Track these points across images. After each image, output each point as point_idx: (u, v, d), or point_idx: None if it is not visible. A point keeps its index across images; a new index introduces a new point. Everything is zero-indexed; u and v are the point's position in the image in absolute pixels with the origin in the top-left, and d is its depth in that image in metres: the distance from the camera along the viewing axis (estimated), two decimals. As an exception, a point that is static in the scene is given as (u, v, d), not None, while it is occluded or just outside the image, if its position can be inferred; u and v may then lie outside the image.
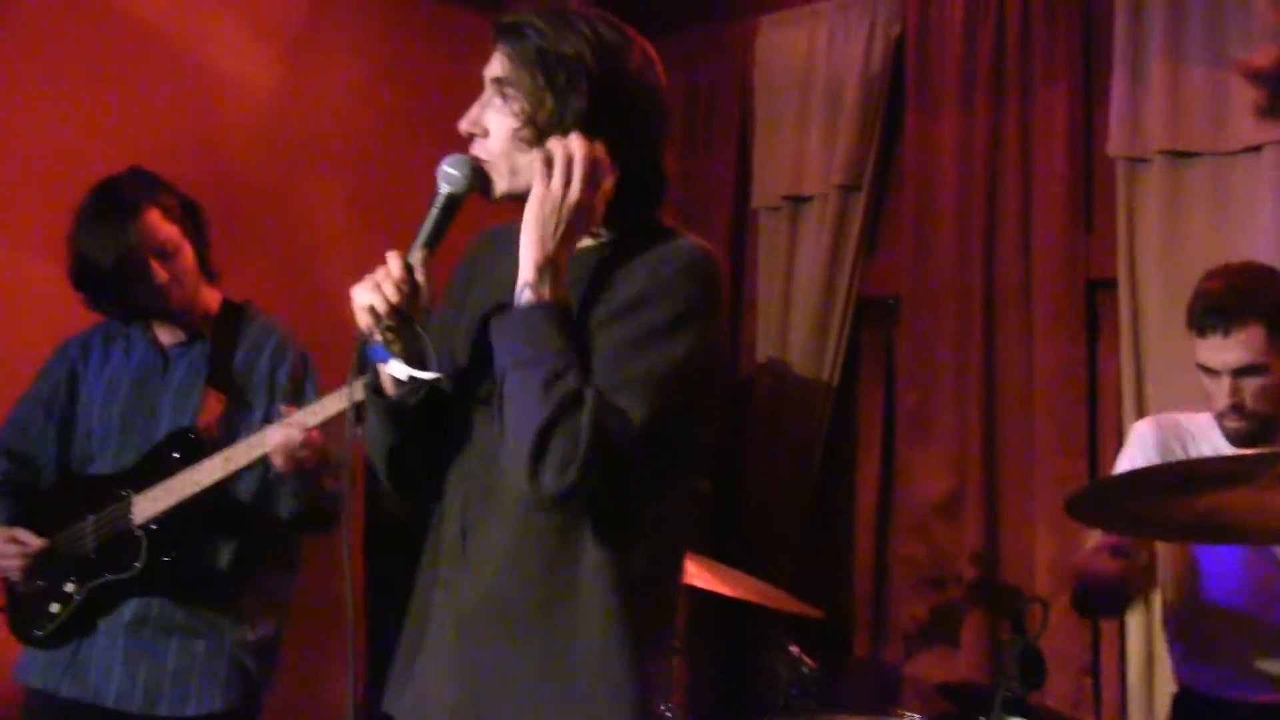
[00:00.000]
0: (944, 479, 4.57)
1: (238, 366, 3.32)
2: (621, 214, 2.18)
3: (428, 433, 2.21)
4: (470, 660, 2.13)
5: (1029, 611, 3.04)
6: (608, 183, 2.11)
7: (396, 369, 2.11)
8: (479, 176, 2.15)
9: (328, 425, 3.05)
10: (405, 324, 2.10)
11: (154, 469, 3.17)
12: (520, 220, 2.13)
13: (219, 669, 3.22)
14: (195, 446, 3.17)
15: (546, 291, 2.06)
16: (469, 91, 2.28)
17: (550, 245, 2.08)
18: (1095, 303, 4.40)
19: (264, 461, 3.09)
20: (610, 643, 2.06)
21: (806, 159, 4.91)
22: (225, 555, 3.24)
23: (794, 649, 3.77)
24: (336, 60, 4.82)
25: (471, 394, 2.19)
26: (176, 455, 3.16)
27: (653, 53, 2.27)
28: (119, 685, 3.16)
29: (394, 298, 2.08)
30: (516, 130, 2.14)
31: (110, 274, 3.18)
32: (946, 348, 4.59)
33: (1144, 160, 4.21)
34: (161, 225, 3.22)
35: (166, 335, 3.36)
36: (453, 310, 2.34)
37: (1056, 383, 4.34)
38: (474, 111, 2.18)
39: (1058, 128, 4.39)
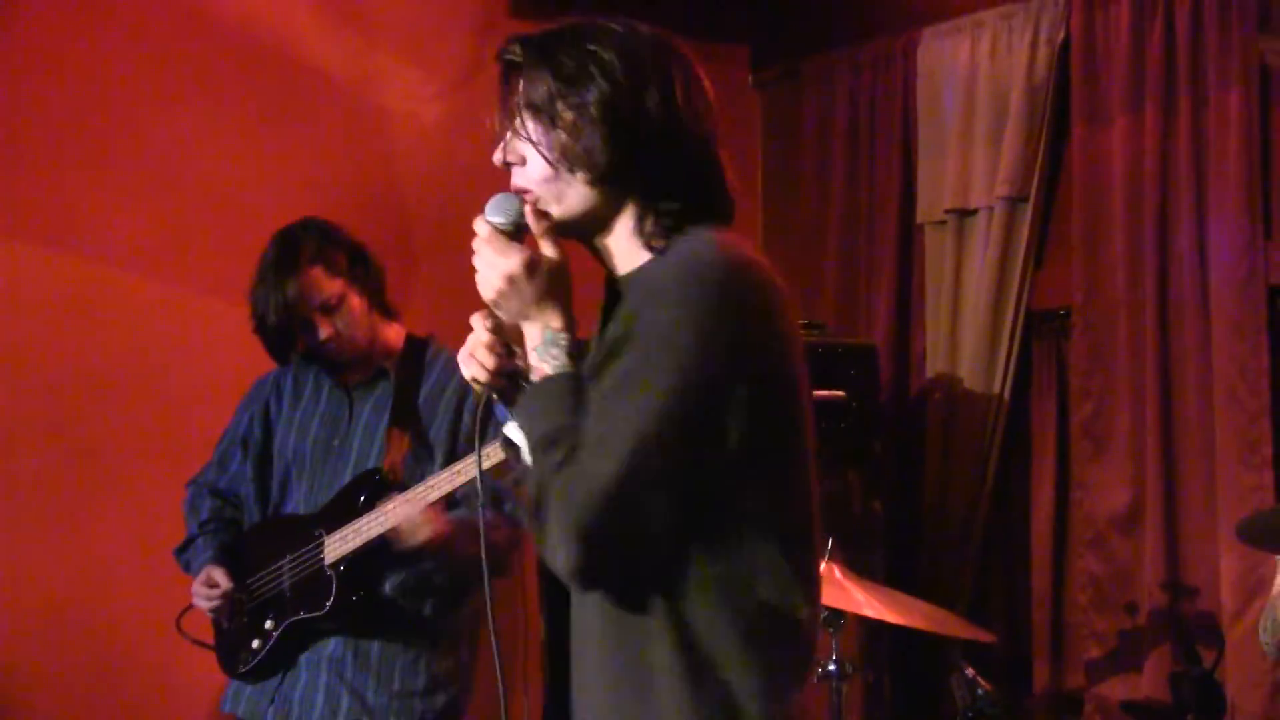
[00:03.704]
0: (1122, 492, 4.48)
1: (422, 403, 3.39)
2: (666, 229, 1.97)
3: None
4: None
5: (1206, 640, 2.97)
6: (544, 224, 1.97)
7: (512, 430, 2.00)
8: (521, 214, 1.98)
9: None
10: (516, 382, 1.99)
11: (343, 510, 3.27)
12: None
13: (414, 704, 3.31)
14: (381, 488, 3.25)
15: (547, 365, 1.93)
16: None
17: (530, 316, 1.96)
18: (1277, 310, 4.27)
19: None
20: None
21: (971, 171, 4.86)
22: (414, 595, 3.32)
23: (969, 671, 3.74)
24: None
25: None
26: (363, 497, 3.25)
27: (681, 50, 2.04)
28: (320, 719, 3.27)
29: (490, 363, 1.99)
30: (553, 155, 1.97)
31: (276, 329, 3.30)
32: (1121, 359, 4.50)
33: None
34: (323, 282, 3.30)
35: (351, 374, 3.46)
36: None
37: (1237, 393, 4.22)
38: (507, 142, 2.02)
39: (1232, 131, 4.27)
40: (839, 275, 5.33)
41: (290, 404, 3.50)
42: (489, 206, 1.99)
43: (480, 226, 1.97)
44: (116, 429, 4.19)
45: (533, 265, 1.94)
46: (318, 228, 3.38)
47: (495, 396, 2.03)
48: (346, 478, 3.34)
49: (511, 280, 1.94)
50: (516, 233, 1.98)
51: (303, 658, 3.32)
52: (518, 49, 2.00)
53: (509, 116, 2.01)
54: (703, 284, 1.85)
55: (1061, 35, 4.68)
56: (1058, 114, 4.72)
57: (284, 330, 3.31)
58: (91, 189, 4.16)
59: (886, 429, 4.87)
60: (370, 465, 3.33)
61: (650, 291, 1.90)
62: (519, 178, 2.01)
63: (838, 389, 4.51)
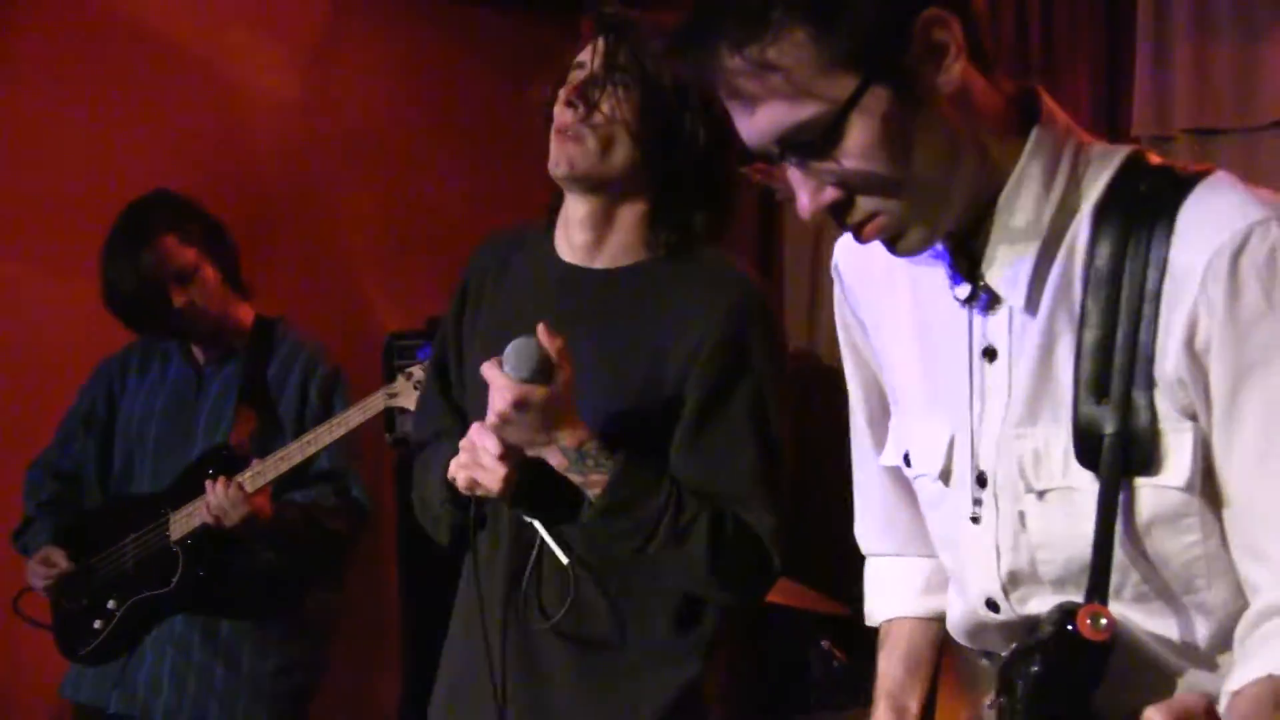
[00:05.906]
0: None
1: (270, 382, 3.35)
2: (666, 230, 2.21)
3: None
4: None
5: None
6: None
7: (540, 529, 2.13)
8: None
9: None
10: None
11: (190, 486, 3.22)
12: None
13: (264, 686, 3.27)
14: (229, 463, 3.21)
15: (594, 473, 2.04)
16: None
17: (566, 432, 2.03)
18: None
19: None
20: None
21: (829, 147, 4.87)
22: (264, 572, 3.28)
23: (825, 643, 3.78)
24: (359, 66, 4.84)
25: None
26: (211, 472, 3.20)
27: None
28: (166, 701, 3.24)
29: (501, 471, 2.04)
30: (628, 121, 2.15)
31: (131, 298, 3.23)
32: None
33: (1169, 139, 4.16)
34: (178, 251, 3.27)
35: (201, 353, 3.41)
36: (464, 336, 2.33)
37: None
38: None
39: (1082, 108, 4.33)
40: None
41: (136, 383, 3.44)
42: (509, 358, 2.00)
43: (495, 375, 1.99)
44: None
45: (521, 403, 1.97)
46: (170, 198, 3.36)
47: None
48: (194, 455, 3.29)
49: (517, 412, 1.98)
50: (535, 377, 2.00)
51: (148, 639, 3.27)
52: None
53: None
54: (773, 330, 2.41)
55: None
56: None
57: (138, 300, 3.26)
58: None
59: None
60: (218, 441, 3.29)
61: (726, 333, 2.21)
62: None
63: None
